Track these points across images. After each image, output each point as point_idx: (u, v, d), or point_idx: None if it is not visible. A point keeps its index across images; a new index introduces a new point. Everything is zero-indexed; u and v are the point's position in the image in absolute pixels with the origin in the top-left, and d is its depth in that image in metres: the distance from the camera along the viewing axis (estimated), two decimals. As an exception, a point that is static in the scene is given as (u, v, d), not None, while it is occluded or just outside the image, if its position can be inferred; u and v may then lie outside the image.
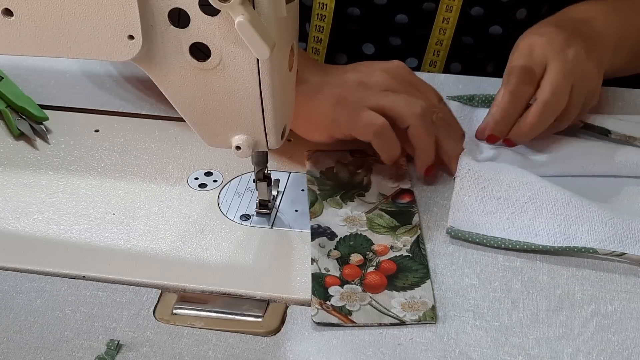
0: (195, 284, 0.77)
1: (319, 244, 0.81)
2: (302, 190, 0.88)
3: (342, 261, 0.80)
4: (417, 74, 0.93)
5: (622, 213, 0.83)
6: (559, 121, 0.90)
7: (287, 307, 0.76)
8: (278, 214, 0.85)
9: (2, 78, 1.01)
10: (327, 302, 0.75)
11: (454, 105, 0.97)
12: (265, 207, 0.85)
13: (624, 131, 0.93)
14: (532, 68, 0.89)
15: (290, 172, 0.90)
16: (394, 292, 0.77)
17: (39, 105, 0.98)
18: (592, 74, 0.91)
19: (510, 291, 0.77)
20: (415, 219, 0.85)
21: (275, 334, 0.74)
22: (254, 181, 0.86)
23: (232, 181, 0.89)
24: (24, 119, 0.96)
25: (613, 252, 0.79)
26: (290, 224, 0.84)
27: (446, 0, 1.06)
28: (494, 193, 0.83)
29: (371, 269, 0.79)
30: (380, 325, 0.74)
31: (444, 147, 0.88)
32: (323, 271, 0.78)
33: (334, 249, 0.81)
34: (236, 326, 0.74)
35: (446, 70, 1.12)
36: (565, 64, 0.89)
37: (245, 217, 0.85)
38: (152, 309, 0.75)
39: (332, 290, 0.77)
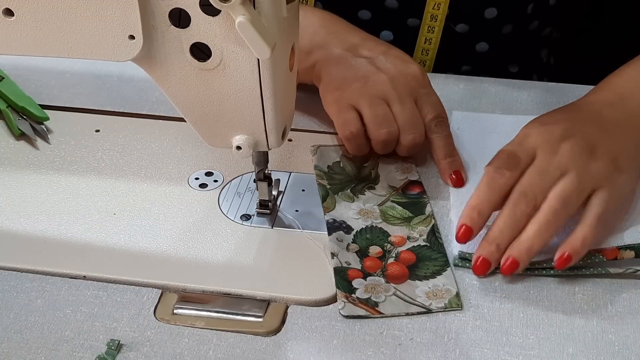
0: (196, 284, 0.77)
1: (337, 238, 0.82)
2: (303, 190, 0.88)
3: (362, 254, 0.81)
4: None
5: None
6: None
7: (287, 307, 0.76)
8: (279, 214, 0.85)
9: (3, 78, 1.01)
10: (353, 295, 0.76)
11: (458, 116, 0.97)
12: (266, 207, 0.85)
13: None
14: (517, 154, 0.81)
15: (290, 172, 0.90)
16: (417, 282, 0.78)
17: (40, 105, 0.98)
18: (594, 170, 0.80)
19: (511, 291, 0.77)
20: (428, 208, 0.86)
21: (275, 334, 0.74)
22: (254, 181, 0.86)
23: (232, 181, 0.89)
24: (24, 119, 0.96)
25: (628, 269, 0.78)
26: (291, 224, 0.84)
27: (428, 21, 1.05)
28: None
29: (391, 260, 0.80)
30: (407, 314, 0.75)
31: None
32: (344, 265, 0.79)
33: (352, 242, 0.82)
34: (237, 326, 0.74)
35: None
36: (551, 156, 0.81)
37: (246, 217, 0.85)
38: (152, 308, 0.76)
39: (355, 283, 0.78)
